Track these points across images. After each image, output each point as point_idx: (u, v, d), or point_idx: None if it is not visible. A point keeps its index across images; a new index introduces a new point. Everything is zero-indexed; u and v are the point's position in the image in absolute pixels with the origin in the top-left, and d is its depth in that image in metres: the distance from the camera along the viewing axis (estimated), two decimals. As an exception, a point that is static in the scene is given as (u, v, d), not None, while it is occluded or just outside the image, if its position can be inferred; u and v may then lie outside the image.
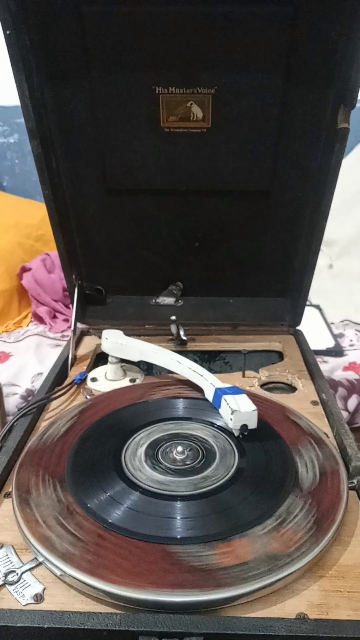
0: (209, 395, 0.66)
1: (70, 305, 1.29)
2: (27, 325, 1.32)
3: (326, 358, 1.14)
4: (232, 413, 0.60)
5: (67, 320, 1.30)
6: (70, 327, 1.27)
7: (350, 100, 0.66)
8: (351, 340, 1.23)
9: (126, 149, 0.77)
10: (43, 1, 0.65)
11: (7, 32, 0.62)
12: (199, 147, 0.76)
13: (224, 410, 0.62)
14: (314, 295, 1.42)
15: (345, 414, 1.12)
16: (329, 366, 1.13)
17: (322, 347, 1.17)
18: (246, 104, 0.72)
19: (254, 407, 0.60)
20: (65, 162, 0.77)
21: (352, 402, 1.11)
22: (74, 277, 0.88)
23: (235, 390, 0.64)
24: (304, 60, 0.69)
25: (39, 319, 1.32)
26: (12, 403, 1.08)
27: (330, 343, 1.20)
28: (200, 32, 0.67)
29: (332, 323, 1.31)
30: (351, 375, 1.11)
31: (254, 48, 0.68)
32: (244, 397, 0.62)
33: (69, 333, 1.25)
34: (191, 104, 0.72)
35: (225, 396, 0.62)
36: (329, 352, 1.16)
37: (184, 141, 0.75)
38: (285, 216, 0.84)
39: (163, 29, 0.67)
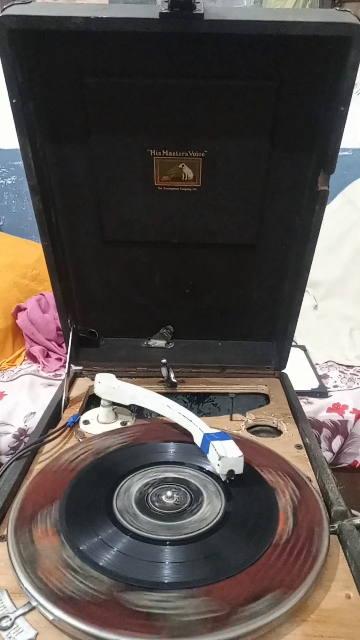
0: (198, 440, 0.69)
1: (63, 345, 1.32)
2: (21, 364, 1.34)
3: (311, 399, 1.18)
4: (219, 459, 0.63)
5: (60, 360, 1.33)
6: (62, 366, 1.30)
7: (329, 166, 0.71)
8: (335, 382, 1.26)
9: (122, 205, 0.81)
10: (49, 72, 0.71)
11: (14, 101, 0.67)
12: (190, 204, 0.80)
13: (211, 455, 0.65)
14: (299, 336, 1.45)
15: (329, 455, 1.15)
16: (313, 407, 1.16)
17: (307, 388, 1.20)
18: (234, 167, 0.77)
19: (240, 453, 0.63)
20: (64, 216, 0.82)
21: (336, 443, 1.14)
22: (69, 321, 0.91)
23: (222, 436, 0.67)
24: (287, 128, 0.75)
25: (33, 358, 1.34)
26: (5, 442, 1.10)
27: (314, 384, 1.24)
28: (192, 102, 0.73)
29: (317, 364, 1.34)
30: (335, 416, 1.15)
31: (241, 117, 0.74)
32: (231, 442, 0.65)
33: (62, 372, 1.27)
34: (183, 165, 0.77)
35: (213, 442, 0.65)
36: (313, 393, 1.19)
37: (176, 198, 0.80)
38: (271, 267, 0.88)
39: (158, 99, 0.73)
